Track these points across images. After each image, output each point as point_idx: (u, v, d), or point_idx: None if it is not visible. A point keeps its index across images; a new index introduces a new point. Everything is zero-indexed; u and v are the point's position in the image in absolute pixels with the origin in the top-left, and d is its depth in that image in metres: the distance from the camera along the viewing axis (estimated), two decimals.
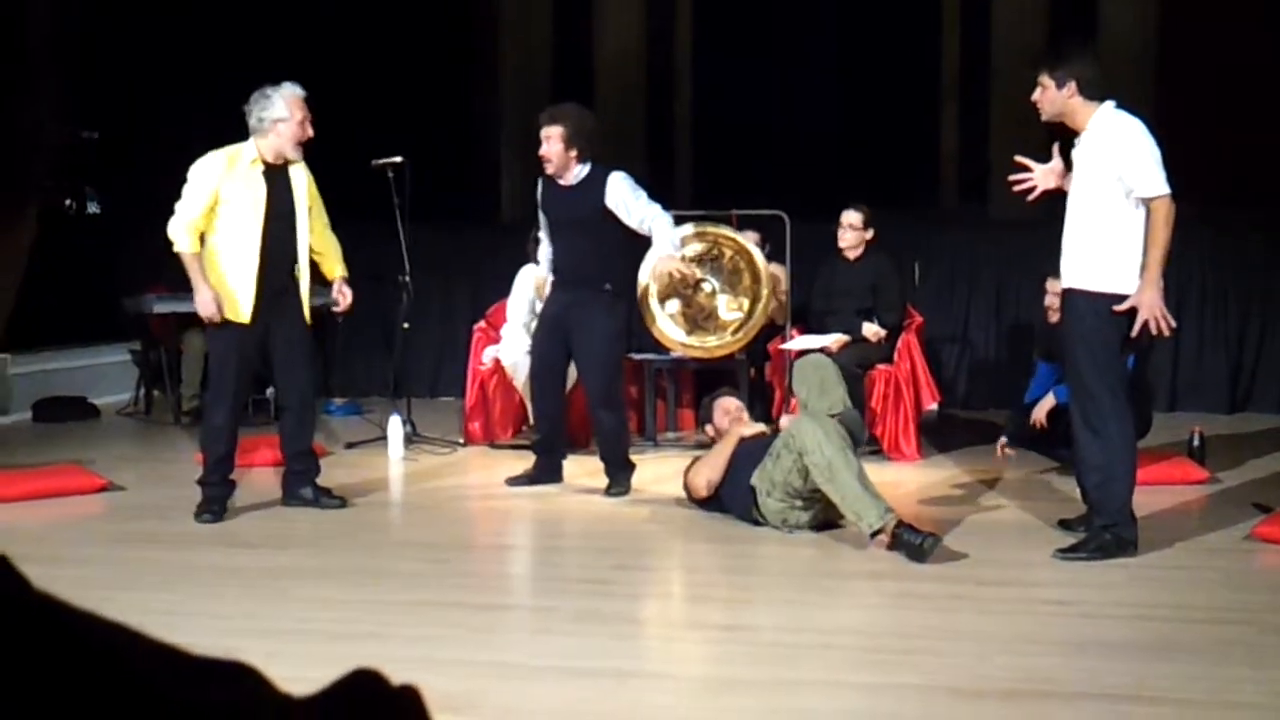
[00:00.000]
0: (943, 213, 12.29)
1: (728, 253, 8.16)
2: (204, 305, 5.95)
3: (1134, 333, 5.11)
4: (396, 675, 0.66)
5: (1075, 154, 5.31)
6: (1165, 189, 5.07)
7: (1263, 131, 11.00)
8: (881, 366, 7.78)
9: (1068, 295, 5.34)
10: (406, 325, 8.41)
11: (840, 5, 13.20)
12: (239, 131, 6.06)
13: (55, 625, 0.55)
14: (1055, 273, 6.91)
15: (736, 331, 8.04)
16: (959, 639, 4.15)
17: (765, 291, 7.98)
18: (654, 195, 6.78)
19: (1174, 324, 5.19)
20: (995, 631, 4.22)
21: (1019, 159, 5.61)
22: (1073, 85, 5.22)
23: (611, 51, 12.61)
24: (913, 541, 5.11)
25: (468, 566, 5.35)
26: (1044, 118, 5.39)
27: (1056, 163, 5.51)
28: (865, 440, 5.95)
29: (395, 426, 7.92)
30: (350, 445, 8.21)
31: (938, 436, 8.19)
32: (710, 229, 8.16)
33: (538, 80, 12.54)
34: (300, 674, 0.88)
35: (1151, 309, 5.06)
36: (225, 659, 0.59)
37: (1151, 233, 5.08)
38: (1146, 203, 5.09)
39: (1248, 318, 9.59)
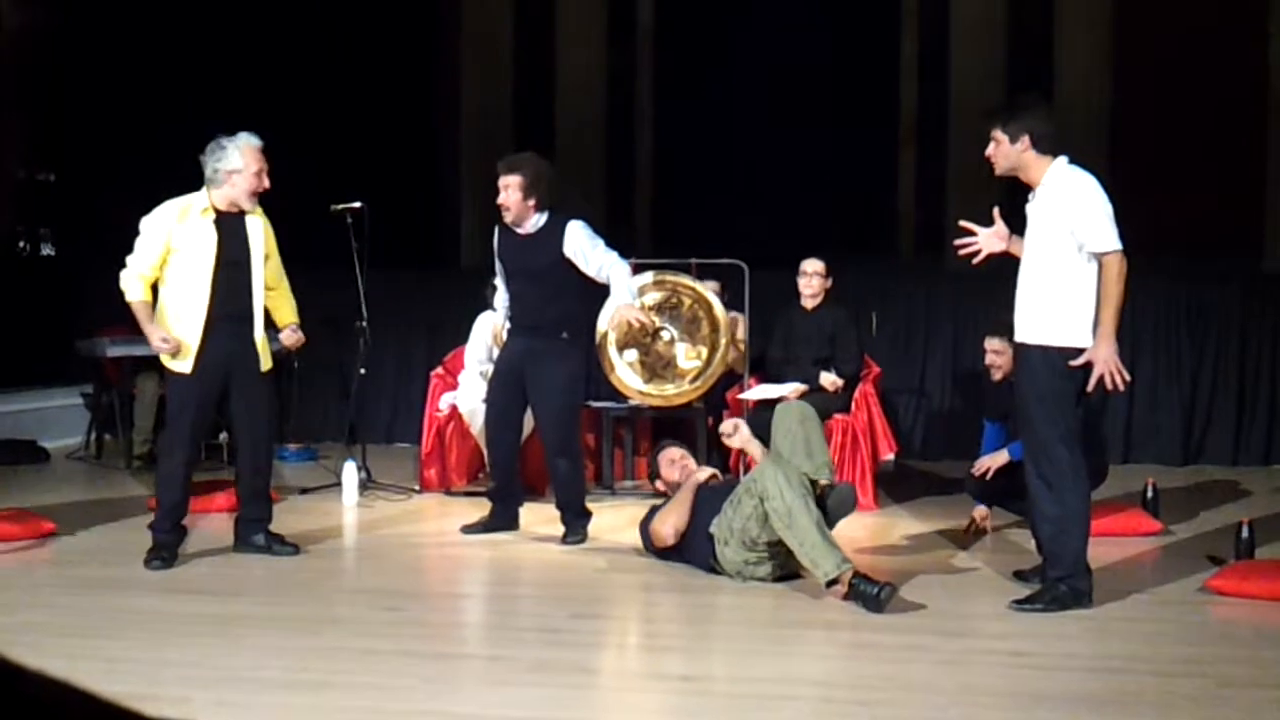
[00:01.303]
0: (900, 264, 12.38)
1: (686, 301, 8.18)
2: (157, 346, 5.93)
3: (1090, 387, 5.15)
4: None
5: (1029, 209, 5.34)
6: (1117, 245, 5.11)
7: (1215, 185, 11.17)
8: (839, 416, 7.80)
9: (1021, 349, 5.36)
10: (363, 371, 8.38)
11: (801, 53, 13.30)
12: (198, 176, 6.02)
13: (5, 686, 0.53)
14: (994, 331, 6.97)
15: (695, 380, 8.05)
16: (914, 690, 4.14)
17: (724, 340, 8.00)
18: (613, 236, 6.80)
19: (1129, 378, 5.23)
20: (950, 683, 4.21)
21: (964, 223, 5.64)
22: (1026, 140, 5.25)
23: (572, 94, 12.67)
24: (869, 592, 5.11)
25: (421, 615, 5.29)
26: (997, 172, 5.42)
27: (999, 226, 5.55)
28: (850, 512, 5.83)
29: (350, 473, 7.86)
30: (304, 491, 8.14)
31: (895, 486, 8.21)
32: (669, 277, 8.19)
33: (498, 125, 12.57)
34: None
35: (1107, 364, 5.10)
36: None
37: (1104, 288, 5.12)
38: (1099, 258, 5.13)
39: (1200, 370, 9.68)
